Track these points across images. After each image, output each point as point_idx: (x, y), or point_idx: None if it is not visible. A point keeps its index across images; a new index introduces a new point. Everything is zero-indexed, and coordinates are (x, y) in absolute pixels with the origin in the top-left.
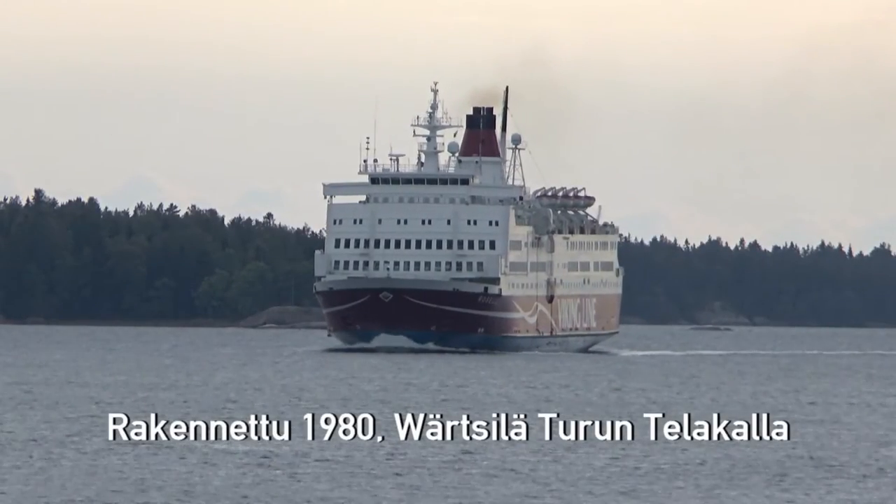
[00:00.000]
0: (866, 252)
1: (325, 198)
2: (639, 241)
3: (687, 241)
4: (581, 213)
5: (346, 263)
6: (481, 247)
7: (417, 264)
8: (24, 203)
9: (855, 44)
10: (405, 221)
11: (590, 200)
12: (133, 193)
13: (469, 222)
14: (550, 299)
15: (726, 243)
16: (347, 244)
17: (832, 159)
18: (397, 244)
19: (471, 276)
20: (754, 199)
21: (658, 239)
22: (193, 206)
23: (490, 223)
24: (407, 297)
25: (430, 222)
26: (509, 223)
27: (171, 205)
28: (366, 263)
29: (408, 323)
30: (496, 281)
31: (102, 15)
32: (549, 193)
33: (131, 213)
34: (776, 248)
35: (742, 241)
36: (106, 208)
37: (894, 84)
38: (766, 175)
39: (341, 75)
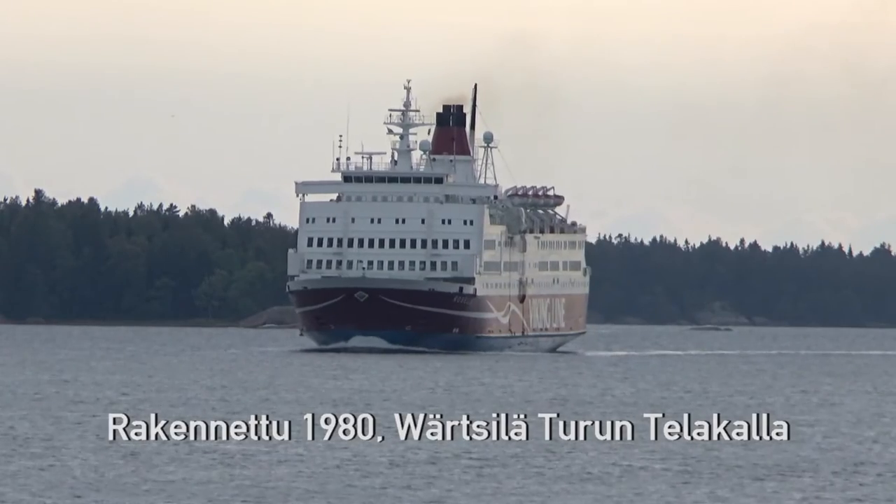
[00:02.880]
0: (866, 252)
1: (298, 196)
2: (639, 241)
3: (687, 241)
4: (550, 212)
5: (319, 262)
6: (456, 246)
7: (391, 263)
8: (24, 203)
9: (852, 42)
10: (379, 220)
11: (559, 199)
12: (133, 193)
13: (443, 221)
14: (522, 299)
15: (726, 243)
16: (320, 243)
17: (832, 159)
18: (371, 243)
19: (445, 276)
20: (754, 199)
21: (658, 239)
22: (193, 206)
23: (465, 222)
24: (382, 297)
25: (403, 221)
26: (484, 222)
27: (171, 205)
28: (339, 262)
29: (383, 323)
30: (471, 281)
31: (102, 15)
32: (520, 192)
33: (131, 213)
34: (776, 248)
35: (742, 241)
36: (106, 208)
37: (893, 83)
38: (765, 175)
39: (343, 74)
